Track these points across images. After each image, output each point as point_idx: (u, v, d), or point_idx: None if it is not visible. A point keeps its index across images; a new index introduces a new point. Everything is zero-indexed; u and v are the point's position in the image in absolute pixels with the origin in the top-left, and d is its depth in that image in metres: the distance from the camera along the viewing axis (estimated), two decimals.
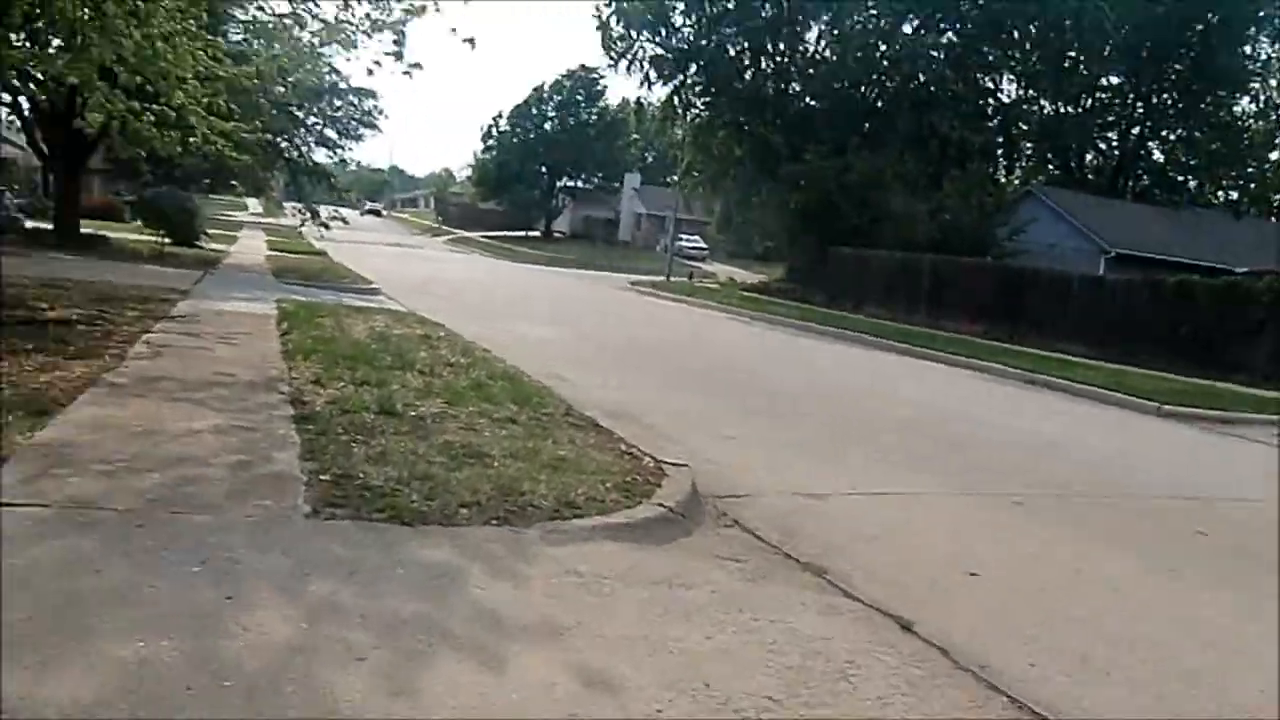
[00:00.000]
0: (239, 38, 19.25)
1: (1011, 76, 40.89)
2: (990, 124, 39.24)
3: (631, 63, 42.41)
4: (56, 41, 13.78)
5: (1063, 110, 41.58)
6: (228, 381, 6.76)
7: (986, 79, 40.28)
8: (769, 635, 3.65)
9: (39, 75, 16.38)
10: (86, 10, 10.87)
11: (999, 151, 40.98)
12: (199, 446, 4.80)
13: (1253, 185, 40.50)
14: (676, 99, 43.18)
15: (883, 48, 38.14)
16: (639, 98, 63.54)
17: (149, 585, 3.20)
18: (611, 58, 42.74)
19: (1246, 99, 41.14)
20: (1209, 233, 34.23)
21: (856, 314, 27.05)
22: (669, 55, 41.03)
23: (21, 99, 19.84)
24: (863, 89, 39.46)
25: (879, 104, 39.30)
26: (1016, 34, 38.24)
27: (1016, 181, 42.40)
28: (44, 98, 19.18)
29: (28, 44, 14.97)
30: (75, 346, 7.31)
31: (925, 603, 4.36)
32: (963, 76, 37.50)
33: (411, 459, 5.15)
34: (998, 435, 10.14)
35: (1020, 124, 40.59)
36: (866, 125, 38.60)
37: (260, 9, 21.02)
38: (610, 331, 17.09)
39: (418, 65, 10.57)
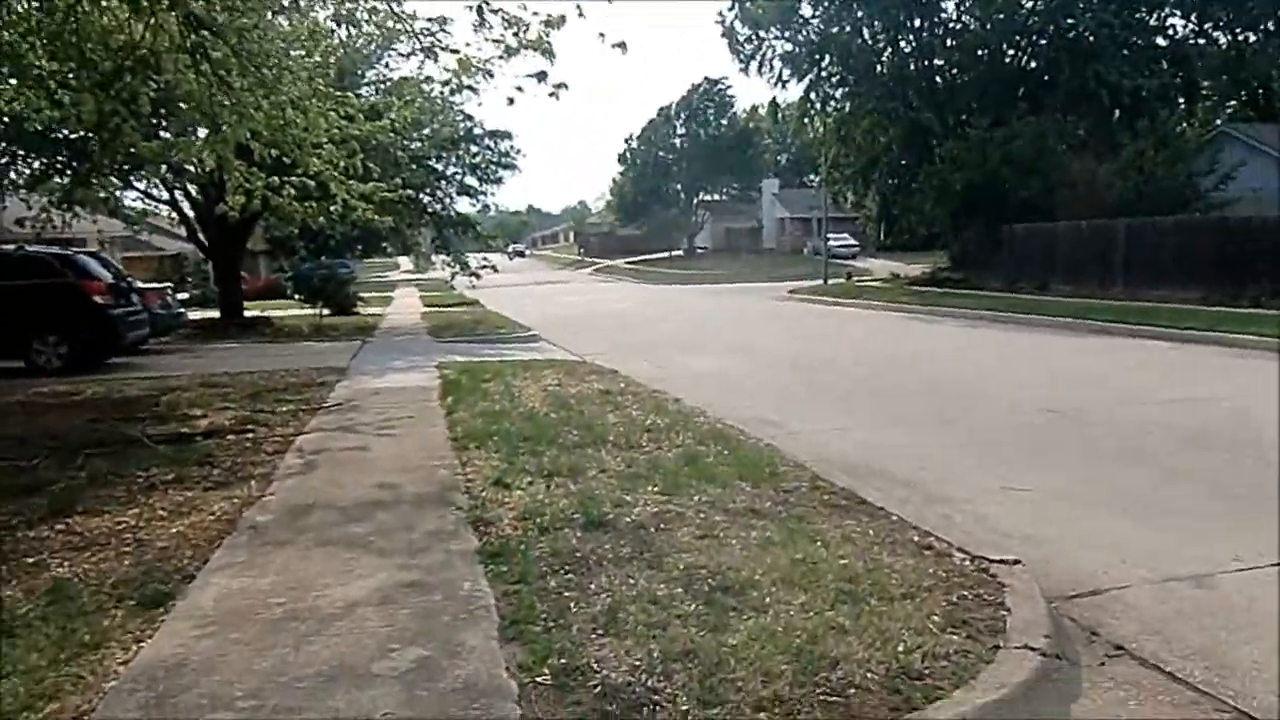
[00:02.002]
0: (371, 96, 18.90)
1: (1179, 11, 36.22)
2: (1161, 66, 34.73)
3: (762, 63, 40.64)
4: (203, 132, 13.60)
5: (1243, 39, 36.60)
6: (390, 500, 5.42)
7: (1152, 17, 35.84)
8: None
9: (188, 167, 16.40)
10: (213, 87, 10.28)
11: (1175, 95, 36.28)
12: (358, 641, 3.36)
13: None
14: (813, 94, 40.97)
15: (1028, 4, 34.68)
16: (773, 98, 61.69)
17: None
18: (740, 60, 41.07)
19: None
20: None
21: (1043, 295, 24.02)
22: (800, 49, 38.94)
23: (178, 193, 20.20)
24: (1013, 51, 36.03)
25: (1032, 65, 35.77)
26: None
27: (1196, 125, 37.54)
28: (195, 190, 19.45)
29: (177, 137, 14.88)
30: (220, 469, 6.24)
31: None
32: (1125, 19, 33.33)
33: (654, 616, 3.56)
34: None
35: (1195, 62, 35.77)
36: (1022, 89, 35.22)
37: (387, 66, 20.88)
38: (790, 351, 15.17)
39: (563, 85, 9.26)
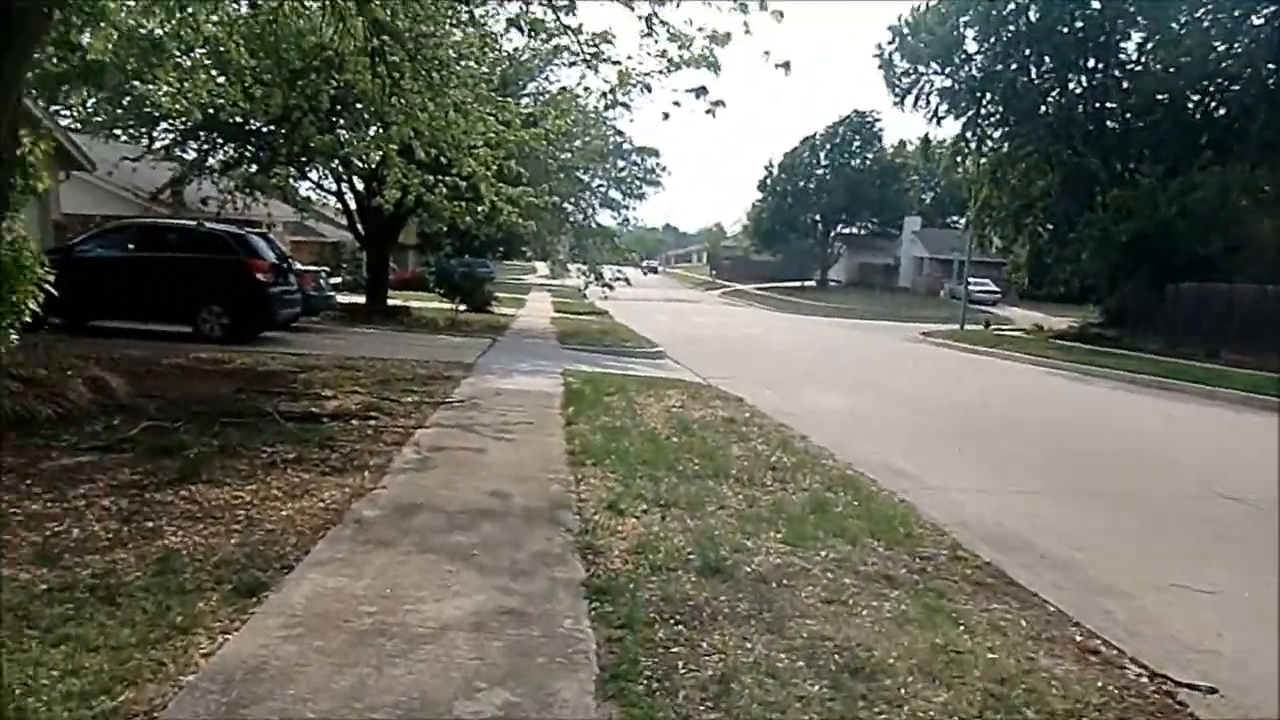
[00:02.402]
0: (528, 109, 19.31)
1: None
2: None
3: (918, 98, 39.36)
4: (372, 131, 14.25)
5: None
6: (499, 511, 5.22)
7: None
8: None
9: (355, 161, 17.19)
10: (387, 88, 10.71)
11: None
12: (444, 671, 3.12)
13: None
14: (969, 132, 39.34)
15: (1221, 47, 32.03)
16: (925, 135, 59.84)
17: None
18: (896, 94, 39.88)
19: None
20: None
21: (1212, 363, 21.95)
22: (960, 86, 37.47)
23: (344, 186, 21.16)
24: (1198, 97, 33.37)
25: (1221, 111, 32.98)
26: None
27: None
28: (359, 184, 20.30)
29: (345, 133, 15.64)
30: (340, 453, 6.24)
31: None
32: None
33: (771, 693, 3.18)
34: None
35: None
36: (1205, 137, 32.54)
37: (547, 79, 21.30)
38: (923, 396, 14.31)
39: (720, 103, 9.05)
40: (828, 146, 75.04)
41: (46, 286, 6.21)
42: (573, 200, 21.49)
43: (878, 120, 73.31)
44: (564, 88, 19.67)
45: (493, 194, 12.81)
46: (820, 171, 74.89)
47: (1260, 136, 30.10)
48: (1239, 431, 12.81)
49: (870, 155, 74.14)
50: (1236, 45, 31.79)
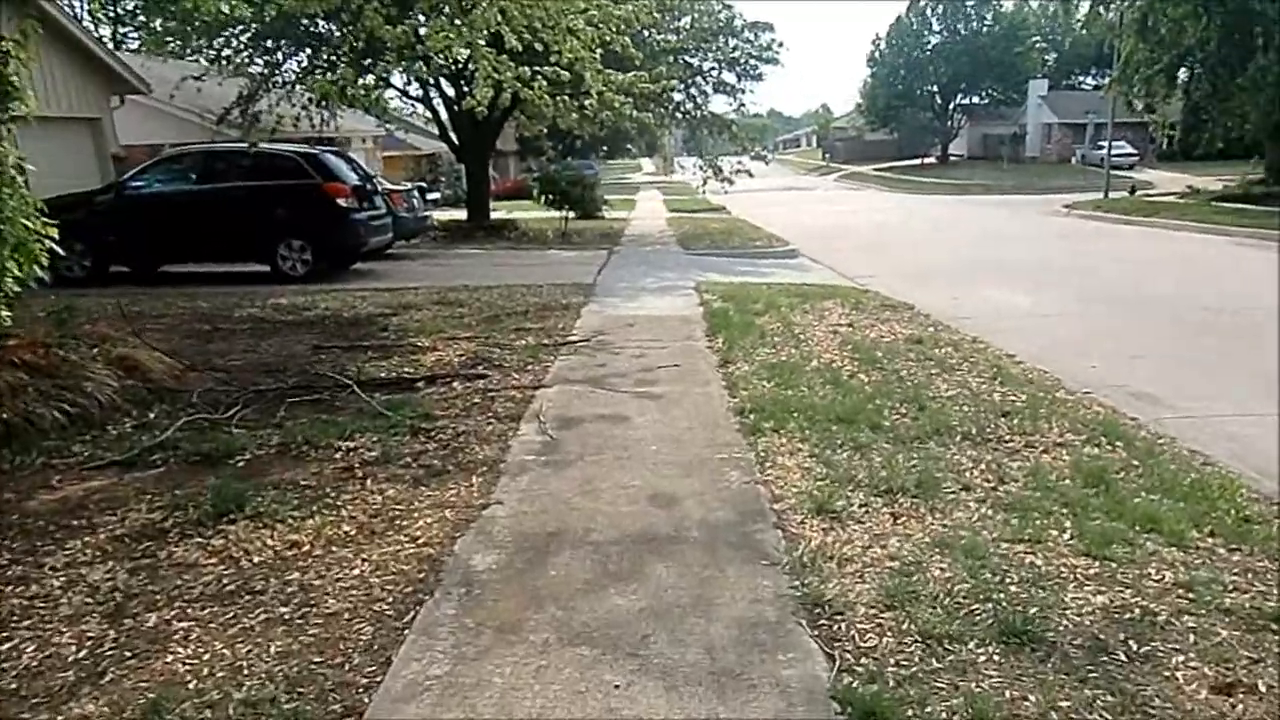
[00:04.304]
0: None
1: None
2: None
3: None
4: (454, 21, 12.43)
5: None
6: (667, 531, 3.55)
7: None
8: None
9: (437, 59, 15.33)
10: None
11: None
12: None
13: None
14: None
15: None
16: None
17: None
18: None
19: None
20: None
21: None
22: None
23: (430, 90, 19.39)
24: None
25: None
26: None
27: None
28: (448, 87, 18.52)
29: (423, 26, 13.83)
30: (438, 441, 4.67)
31: None
32: None
33: None
34: None
35: None
36: None
37: None
38: (1106, 284, 11.63)
39: None
40: (940, 9, 68.55)
41: (49, 244, 4.80)
42: (683, 88, 19.13)
43: None
44: None
45: (600, 82, 10.88)
46: (934, 39, 68.82)
47: None
48: None
49: (987, 17, 67.41)
50: None
